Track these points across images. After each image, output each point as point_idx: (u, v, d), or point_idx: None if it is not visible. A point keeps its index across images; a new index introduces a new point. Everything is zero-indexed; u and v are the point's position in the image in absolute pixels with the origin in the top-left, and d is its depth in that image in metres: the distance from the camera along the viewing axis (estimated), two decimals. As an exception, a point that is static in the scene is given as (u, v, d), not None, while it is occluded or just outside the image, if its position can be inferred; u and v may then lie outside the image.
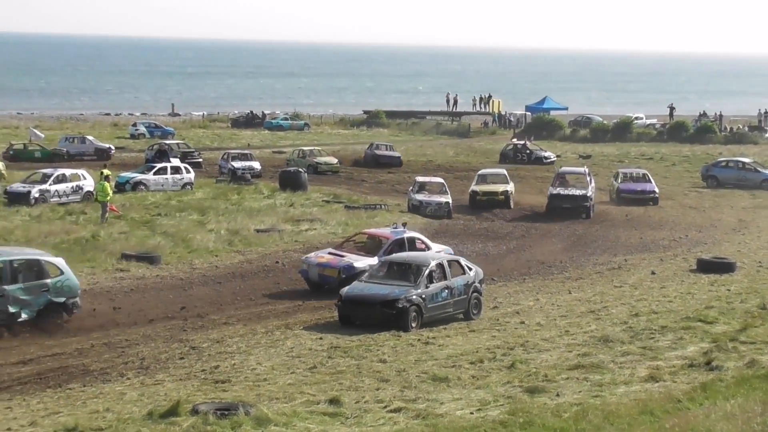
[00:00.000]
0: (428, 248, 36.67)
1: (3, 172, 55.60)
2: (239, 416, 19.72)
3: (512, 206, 56.52)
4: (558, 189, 56.05)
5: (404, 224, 38.42)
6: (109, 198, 47.66)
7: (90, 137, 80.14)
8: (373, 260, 34.89)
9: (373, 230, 40.14)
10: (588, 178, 57.27)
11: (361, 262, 35.25)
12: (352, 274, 34.33)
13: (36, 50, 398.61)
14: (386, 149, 78.57)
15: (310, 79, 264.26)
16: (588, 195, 55.10)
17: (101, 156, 73.51)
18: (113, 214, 47.60)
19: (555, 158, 79.42)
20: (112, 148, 77.92)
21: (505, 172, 61.42)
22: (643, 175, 62.52)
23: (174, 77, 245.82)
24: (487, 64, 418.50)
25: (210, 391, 22.84)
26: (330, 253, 36.59)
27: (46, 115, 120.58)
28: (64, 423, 19.84)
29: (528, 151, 79.40)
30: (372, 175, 70.54)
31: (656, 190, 60.33)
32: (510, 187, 57.98)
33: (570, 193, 55.75)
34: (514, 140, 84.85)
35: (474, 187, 57.91)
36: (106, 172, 50.70)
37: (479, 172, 61.64)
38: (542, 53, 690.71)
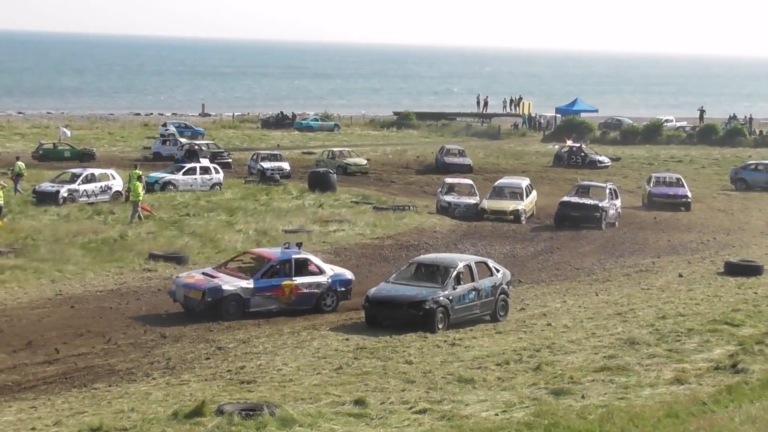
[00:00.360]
0: (321, 271, 33.65)
1: (23, 171, 55.81)
2: (264, 417, 19.73)
3: (524, 221, 52.70)
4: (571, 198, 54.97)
5: (299, 245, 34.90)
6: (140, 198, 47.84)
7: (183, 139, 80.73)
8: (248, 283, 31.84)
9: (260, 250, 36.63)
10: (607, 191, 54.06)
11: (232, 284, 31.63)
12: (218, 298, 31.11)
13: (72, 49, 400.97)
14: (457, 155, 75.66)
15: (343, 80, 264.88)
16: (600, 206, 52.04)
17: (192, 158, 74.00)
18: (146, 214, 47.72)
19: (610, 162, 78.61)
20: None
21: (525, 183, 56.66)
22: (677, 179, 61.04)
23: (208, 77, 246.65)
24: (519, 66, 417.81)
25: (235, 391, 22.88)
26: (204, 273, 32.78)
27: (76, 115, 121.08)
28: (88, 423, 19.90)
29: (582, 154, 78.50)
30: (401, 176, 70.52)
31: (689, 194, 59.03)
32: (524, 203, 53.84)
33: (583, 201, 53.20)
34: (569, 142, 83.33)
35: (484, 202, 54.42)
36: (138, 172, 50.82)
37: (496, 183, 57.85)
38: (574, 55, 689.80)
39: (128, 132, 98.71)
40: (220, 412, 20.23)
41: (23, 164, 57.20)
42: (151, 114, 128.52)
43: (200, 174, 59.15)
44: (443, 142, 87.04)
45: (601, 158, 79.02)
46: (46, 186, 52.62)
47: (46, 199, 50.88)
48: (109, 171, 56.14)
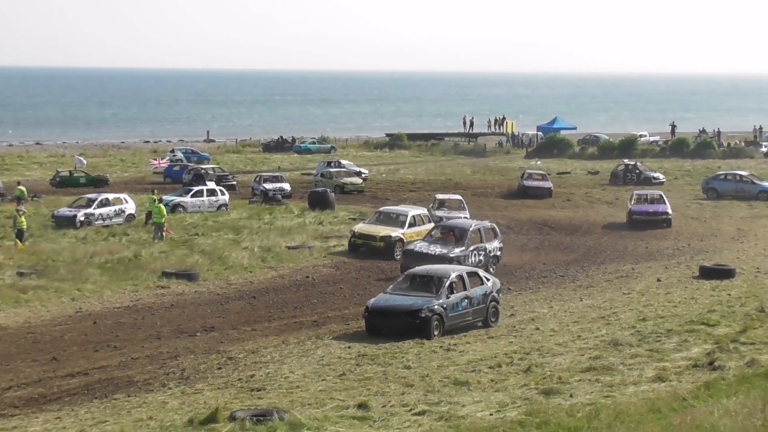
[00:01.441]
0: None
1: (24, 195, 56.02)
2: (274, 421, 19.75)
3: (397, 255, 44.20)
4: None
5: None
6: (164, 219, 47.97)
7: (345, 161, 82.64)
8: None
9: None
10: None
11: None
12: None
13: (91, 84, 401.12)
14: (539, 179, 70.72)
15: (337, 104, 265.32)
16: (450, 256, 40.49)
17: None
18: (168, 235, 47.74)
19: (664, 178, 76.87)
20: (364, 171, 79.12)
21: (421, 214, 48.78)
22: (659, 196, 58.16)
23: (216, 105, 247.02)
24: (505, 88, 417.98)
25: (246, 398, 22.87)
26: None
27: (90, 144, 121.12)
28: (110, 431, 19.90)
29: (638, 171, 76.62)
30: (395, 193, 70.51)
31: (669, 211, 56.22)
32: (402, 231, 45.99)
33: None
34: (625, 161, 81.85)
35: (358, 225, 48.43)
36: (154, 196, 50.99)
37: (381, 208, 51.70)
38: (554, 77, 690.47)
39: (139, 158, 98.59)
40: (232, 418, 20.25)
41: (24, 189, 57.48)
42: (160, 141, 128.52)
43: (207, 196, 59.18)
44: (433, 161, 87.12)
45: (655, 174, 76.91)
46: (64, 211, 52.63)
47: (65, 223, 50.89)
48: (122, 195, 56.14)
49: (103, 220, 52.23)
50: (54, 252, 42.97)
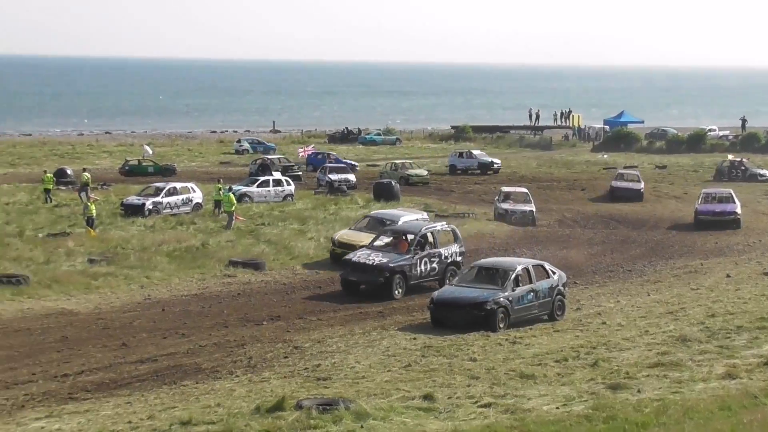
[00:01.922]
0: None
1: (90, 182, 56.71)
2: (340, 411, 19.85)
3: None
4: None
5: None
6: (234, 208, 48.41)
7: (476, 151, 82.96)
8: None
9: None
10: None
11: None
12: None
13: (166, 74, 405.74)
14: (630, 180, 66.58)
15: (417, 96, 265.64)
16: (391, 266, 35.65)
17: (484, 170, 76.72)
18: (239, 222, 48.14)
19: None
20: (496, 162, 79.64)
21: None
22: (729, 195, 55.44)
23: (286, 97, 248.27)
24: (570, 82, 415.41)
25: (312, 387, 23.00)
26: None
27: (158, 133, 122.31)
28: (179, 417, 20.11)
29: (743, 168, 74.70)
30: (460, 185, 70.43)
31: (738, 210, 53.62)
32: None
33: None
34: (730, 156, 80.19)
35: (340, 232, 43.43)
36: (219, 185, 51.60)
37: (373, 212, 46.93)
38: (626, 70, 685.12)
39: (205, 148, 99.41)
40: (299, 406, 20.37)
41: (89, 176, 58.25)
42: (227, 131, 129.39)
43: (273, 186, 59.52)
44: (498, 153, 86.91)
45: (762, 171, 75.00)
46: (133, 199, 53.17)
47: (133, 211, 51.40)
48: (189, 184, 56.59)
49: (171, 208, 52.69)
50: (123, 240, 43.47)
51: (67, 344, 27.62)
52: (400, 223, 40.94)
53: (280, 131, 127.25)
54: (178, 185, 55.65)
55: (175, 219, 50.39)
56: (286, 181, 60.98)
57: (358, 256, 35.94)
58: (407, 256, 35.69)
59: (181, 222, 49.51)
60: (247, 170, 72.57)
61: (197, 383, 23.78)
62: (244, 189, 58.57)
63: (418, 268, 35.83)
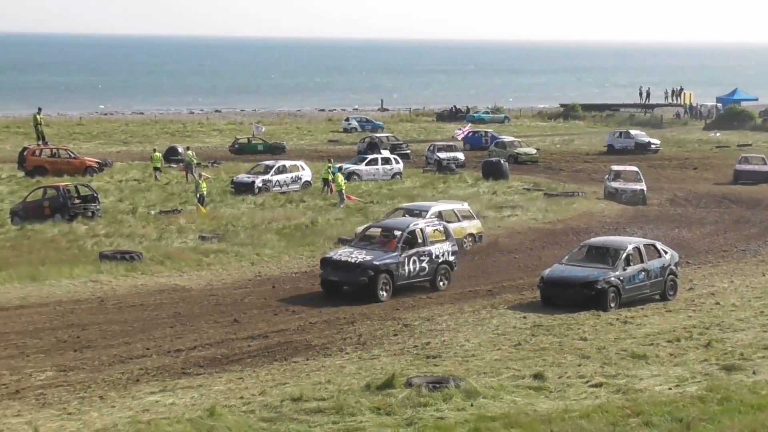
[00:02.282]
0: None
1: (194, 160, 57.53)
2: (450, 389, 19.88)
3: None
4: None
5: None
6: (343, 187, 48.84)
7: (634, 131, 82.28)
8: None
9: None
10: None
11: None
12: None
13: (281, 53, 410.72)
14: (756, 163, 63.60)
15: (515, 74, 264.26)
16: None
17: (641, 150, 75.60)
18: (351, 203, 48.41)
19: None
20: (654, 142, 78.97)
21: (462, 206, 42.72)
22: None
23: (397, 75, 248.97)
24: (681, 59, 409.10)
25: (422, 365, 23.06)
26: None
27: (267, 111, 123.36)
28: (290, 393, 20.30)
29: None
30: (569, 164, 69.90)
31: None
32: None
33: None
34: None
35: (360, 227, 39.78)
36: (329, 164, 51.97)
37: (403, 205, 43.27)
38: (743, 46, 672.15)
39: (314, 126, 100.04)
40: (408, 384, 20.46)
41: (193, 153, 59.13)
42: (335, 110, 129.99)
43: (381, 164, 59.75)
44: (608, 132, 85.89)
45: None
46: (243, 177, 53.78)
47: (243, 189, 52.02)
48: (298, 162, 57.09)
49: (281, 186, 53.20)
50: (234, 217, 44.00)
51: (180, 320, 28.06)
52: (430, 212, 38.76)
53: (388, 109, 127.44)
54: (288, 163, 56.16)
55: (284, 197, 50.88)
56: (395, 159, 61.18)
57: (339, 253, 32.25)
58: (394, 254, 31.70)
59: (291, 200, 49.96)
60: (356, 148, 72.85)
61: (308, 360, 23.97)
62: (353, 167, 58.91)
63: (406, 268, 31.88)
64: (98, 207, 43.62)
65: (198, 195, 46.65)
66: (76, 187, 45.15)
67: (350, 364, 23.36)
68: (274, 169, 54.11)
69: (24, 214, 42.25)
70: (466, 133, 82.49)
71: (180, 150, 66.15)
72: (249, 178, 53.47)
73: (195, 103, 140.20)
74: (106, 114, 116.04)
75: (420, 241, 32.78)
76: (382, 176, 58.69)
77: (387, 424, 18.14)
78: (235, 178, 54.20)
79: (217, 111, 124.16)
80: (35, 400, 20.60)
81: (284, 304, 30.09)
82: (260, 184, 52.50)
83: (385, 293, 31.05)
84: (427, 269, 32.57)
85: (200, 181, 47.16)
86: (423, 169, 64.40)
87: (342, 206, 47.39)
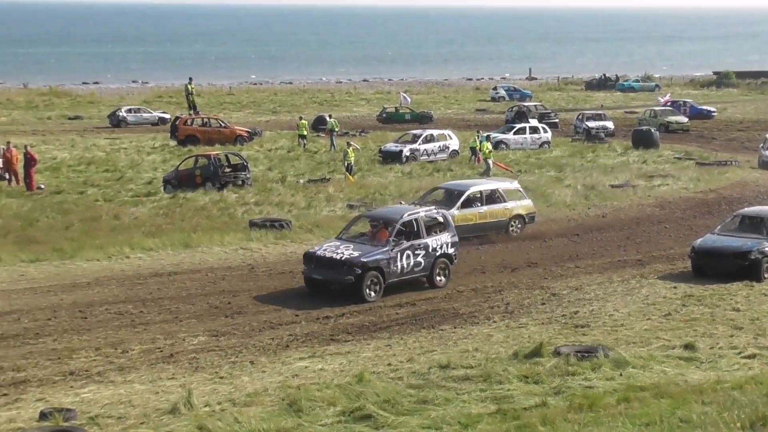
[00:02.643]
0: None
1: (336, 128, 58.22)
2: (599, 358, 19.81)
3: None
4: None
5: None
6: (490, 156, 48.82)
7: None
8: None
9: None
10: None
11: None
12: None
13: (434, 22, 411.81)
14: None
15: (665, 42, 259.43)
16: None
17: None
18: (504, 172, 48.31)
19: None
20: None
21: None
22: None
23: (549, 43, 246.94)
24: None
25: (570, 334, 22.99)
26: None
27: (415, 81, 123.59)
28: (437, 360, 20.45)
29: None
30: (722, 133, 68.44)
31: None
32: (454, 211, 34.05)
33: None
34: None
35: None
36: (477, 133, 51.90)
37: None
38: None
39: (461, 96, 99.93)
40: (557, 353, 20.43)
41: (335, 121, 60.01)
42: (482, 79, 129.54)
43: (529, 133, 59.46)
44: (763, 100, 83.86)
45: None
46: (390, 146, 54.07)
47: (391, 158, 52.32)
48: (446, 131, 57.12)
49: (428, 155, 53.32)
50: (381, 186, 44.25)
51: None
52: (467, 192, 35.81)
53: (536, 78, 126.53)
54: (435, 132, 56.27)
55: (431, 166, 50.96)
56: (543, 128, 60.79)
57: (324, 248, 28.20)
58: (384, 249, 27.72)
59: (438, 169, 50.01)
60: (503, 117, 72.55)
61: (455, 328, 24.04)
62: (501, 136, 58.77)
63: (399, 263, 27.88)
64: (248, 175, 44.34)
65: (346, 164, 47.05)
66: (226, 155, 45.96)
67: (498, 333, 23.38)
68: (421, 138, 54.29)
69: (176, 182, 43.21)
70: (667, 102, 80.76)
71: (328, 119, 66.87)
72: (396, 147, 53.74)
73: (345, 72, 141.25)
74: (255, 84, 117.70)
75: (416, 233, 28.70)
76: (530, 145, 58.40)
77: (535, 392, 18.15)
78: (382, 147, 54.52)
79: (364, 80, 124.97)
80: (188, 363, 21.12)
81: (432, 273, 30.10)
82: (408, 153, 52.72)
83: (373, 293, 27.14)
84: (423, 264, 28.48)
85: (348, 150, 47.53)
86: (571, 138, 63.86)
87: (490, 175, 47.29)
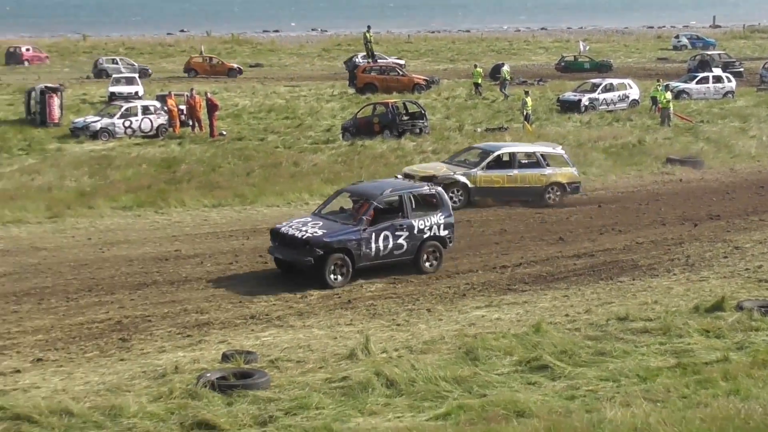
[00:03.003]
0: None
1: (508, 76, 57.63)
2: (786, 314, 19.30)
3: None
4: None
5: None
6: (669, 105, 47.73)
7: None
8: None
9: None
10: None
11: None
12: None
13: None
14: None
15: None
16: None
17: None
18: (683, 122, 47.36)
19: None
20: None
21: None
22: None
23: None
24: None
25: (753, 288, 22.50)
26: None
27: (594, 29, 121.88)
28: (615, 312, 20.24)
29: None
30: None
31: None
32: (468, 173, 32.38)
33: None
34: None
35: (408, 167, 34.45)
36: (658, 83, 50.80)
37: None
38: None
39: (642, 44, 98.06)
40: (739, 307, 20.03)
41: (508, 70, 59.74)
42: (664, 27, 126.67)
43: (712, 83, 57.98)
44: None
45: None
46: (569, 95, 53.46)
47: (569, 107, 51.74)
48: (626, 80, 56.13)
49: (607, 105, 52.53)
50: (559, 135, 43.74)
51: (506, 237, 28.26)
52: (497, 152, 33.06)
53: (720, 26, 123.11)
54: (615, 81, 55.38)
55: (611, 115, 50.19)
56: (727, 77, 59.20)
57: (291, 224, 24.69)
58: (355, 229, 24.05)
59: (618, 118, 49.24)
60: (685, 66, 70.91)
61: (633, 280, 23.70)
62: (683, 86, 57.48)
63: (373, 245, 24.11)
64: (426, 124, 44.42)
65: (524, 113, 46.69)
66: (404, 104, 46.13)
67: (678, 286, 22.96)
68: (600, 87, 53.49)
69: (354, 130, 43.60)
70: None
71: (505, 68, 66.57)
72: (575, 96, 53.10)
73: (524, 21, 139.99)
74: (433, 32, 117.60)
75: (399, 211, 24.99)
76: (713, 95, 56.94)
77: (716, 347, 17.81)
78: (561, 96, 53.95)
79: (543, 29, 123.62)
80: (366, 310, 21.38)
81: (610, 224, 29.72)
82: (587, 103, 52.04)
83: (339, 277, 23.64)
84: (405, 246, 24.67)
85: (527, 99, 47.12)
86: (757, 88, 61.96)
87: (668, 125, 46.33)
